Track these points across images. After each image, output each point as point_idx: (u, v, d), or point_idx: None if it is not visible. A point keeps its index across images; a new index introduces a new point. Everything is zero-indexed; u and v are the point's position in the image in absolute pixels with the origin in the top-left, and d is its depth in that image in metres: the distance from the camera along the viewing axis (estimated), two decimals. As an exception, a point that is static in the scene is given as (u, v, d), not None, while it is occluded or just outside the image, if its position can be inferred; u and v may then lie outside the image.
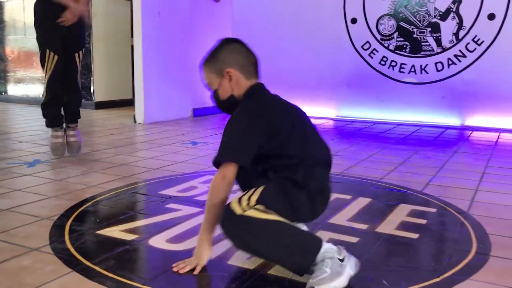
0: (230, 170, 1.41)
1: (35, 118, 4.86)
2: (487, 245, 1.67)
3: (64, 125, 3.06)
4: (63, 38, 2.89)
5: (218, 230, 1.45)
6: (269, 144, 1.43)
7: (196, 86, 5.19)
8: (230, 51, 1.57)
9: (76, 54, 2.98)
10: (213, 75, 1.55)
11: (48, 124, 3.01)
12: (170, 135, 3.98)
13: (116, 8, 6.04)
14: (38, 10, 2.92)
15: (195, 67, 5.16)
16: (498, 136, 4.22)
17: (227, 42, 1.60)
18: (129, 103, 6.14)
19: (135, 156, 3.13)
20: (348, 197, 2.23)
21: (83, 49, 3.05)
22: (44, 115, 3.00)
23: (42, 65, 2.92)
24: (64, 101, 3.02)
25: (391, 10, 4.82)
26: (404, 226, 1.85)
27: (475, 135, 4.30)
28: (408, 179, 2.61)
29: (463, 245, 1.67)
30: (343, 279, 1.30)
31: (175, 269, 1.43)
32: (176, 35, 4.91)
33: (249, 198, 1.40)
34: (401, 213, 2.01)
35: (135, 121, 4.64)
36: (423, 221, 1.90)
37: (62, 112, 3.04)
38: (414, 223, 1.88)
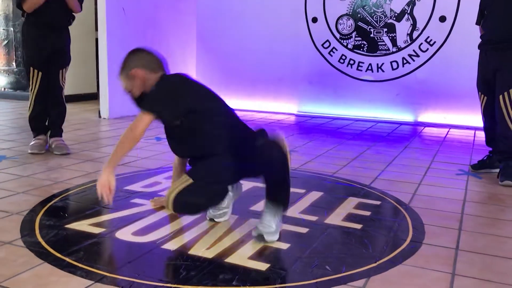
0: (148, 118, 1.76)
1: (-2, 112, 4.85)
2: (421, 234, 1.88)
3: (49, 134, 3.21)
4: (47, 57, 3.03)
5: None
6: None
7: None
8: (133, 57, 1.92)
9: (60, 71, 3.12)
10: (125, 80, 1.91)
11: (34, 135, 3.16)
12: (135, 130, 4.06)
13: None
14: (25, 31, 3.07)
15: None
16: (448, 131, 4.50)
17: (131, 52, 1.95)
18: (93, 97, 6.17)
19: (100, 152, 3.23)
20: (302, 191, 2.40)
21: (67, 66, 3.18)
22: (32, 128, 3.16)
23: (28, 82, 3.09)
24: (49, 114, 3.17)
25: (350, 10, 5.03)
26: (350, 217, 2.04)
27: (427, 130, 4.57)
28: (359, 173, 2.81)
29: (400, 234, 1.87)
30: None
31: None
32: (140, 30, 4.97)
33: None
34: (349, 205, 2.20)
35: (99, 116, 4.70)
36: (367, 213, 2.10)
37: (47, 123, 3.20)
38: (359, 215, 2.08)
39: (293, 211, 2.10)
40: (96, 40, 5.68)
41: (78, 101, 5.89)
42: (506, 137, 2.70)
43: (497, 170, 2.79)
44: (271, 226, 1.76)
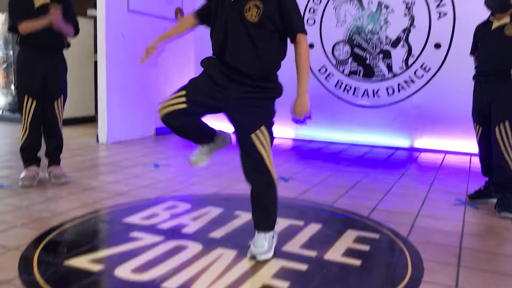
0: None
1: (-5, 136, 4.85)
2: (420, 271, 1.88)
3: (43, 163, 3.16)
4: (41, 82, 2.97)
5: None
6: None
7: (158, 105, 5.31)
8: None
9: (55, 102, 3.06)
10: None
11: (25, 166, 3.07)
12: (132, 156, 4.07)
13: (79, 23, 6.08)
14: (19, 59, 3.03)
15: (158, 86, 5.30)
16: (444, 157, 4.53)
17: None
18: (91, 119, 6.18)
19: (98, 180, 3.23)
20: (301, 223, 2.41)
21: (63, 96, 3.11)
22: (23, 159, 3.07)
23: (21, 110, 3.00)
24: (41, 145, 3.11)
25: (346, 37, 5.09)
26: (349, 252, 2.04)
27: (423, 156, 4.60)
28: (357, 203, 2.82)
29: (400, 271, 1.87)
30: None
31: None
32: (139, 54, 4.96)
33: None
34: (348, 239, 2.20)
35: (97, 141, 4.71)
36: (366, 248, 2.10)
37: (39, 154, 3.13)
38: (358, 250, 2.08)
39: (293, 245, 2.10)
40: (95, 62, 5.73)
41: (76, 124, 5.90)
42: (503, 168, 2.72)
43: (494, 200, 2.80)
44: (263, 246, 1.88)
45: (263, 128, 1.89)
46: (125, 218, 2.41)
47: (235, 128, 1.94)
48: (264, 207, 1.94)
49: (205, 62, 1.92)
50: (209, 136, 2.05)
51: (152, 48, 2.06)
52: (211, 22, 1.91)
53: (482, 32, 2.86)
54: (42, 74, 2.98)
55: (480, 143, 2.93)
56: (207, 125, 2.01)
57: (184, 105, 1.85)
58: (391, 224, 2.44)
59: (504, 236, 2.34)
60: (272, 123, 1.95)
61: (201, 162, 2.13)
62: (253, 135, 1.87)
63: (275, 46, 1.85)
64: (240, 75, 1.83)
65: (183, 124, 1.90)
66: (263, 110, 1.90)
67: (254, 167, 1.90)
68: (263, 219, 1.96)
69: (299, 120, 1.89)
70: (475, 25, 2.93)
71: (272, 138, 1.94)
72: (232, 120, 1.93)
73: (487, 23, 2.84)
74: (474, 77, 2.92)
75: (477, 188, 3.01)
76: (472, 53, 2.97)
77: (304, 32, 1.83)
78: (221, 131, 2.11)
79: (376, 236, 2.27)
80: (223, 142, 2.11)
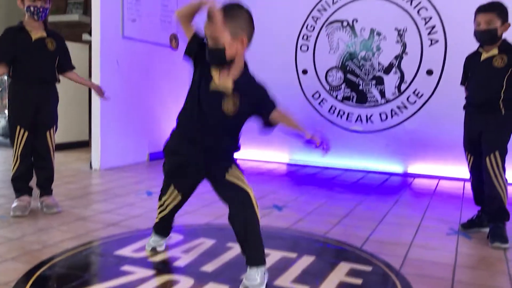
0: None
1: (-12, 162, 4.83)
2: (413, 306, 1.87)
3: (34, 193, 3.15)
4: (33, 113, 2.99)
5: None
6: None
7: (152, 130, 5.33)
8: (248, 20, 1.92)
9: (48, 132, 3.07)
10: (230, 33, 1.86)
11: (17, 196, 3.06)
12: (125, 183, 4.06)
13: (74, 49, 6.11)
14: (12, 90, 3.05)
15: (152, 112, 5.32)
16: (437, 183, 4.55)
17: (246, 11, 1.92)
18: (85, 144, 6.18)
19: (90, 209, 3.21)
20: (294, 255, 2.39)
21: (55, 127, 3.13)
22: (15, 189, 3.06)
23: (12, 142, 3.01)
24: (32, 175, 3.11)
25: (339, 63, 5.15)
26: (341, 286, 2.03)
27: (417, 182, 4.61)
28: (350, 233, 2.82)
29: (392, 306, 1.87)
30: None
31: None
32: (133, 81, 5.04)
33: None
34: (340, 272, 2.19)
35: (91, 167, 4.70)
36: (359, 281, 2.09)
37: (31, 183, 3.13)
38: (350, 284, 2.06)
39: (285, 280, 2.08)
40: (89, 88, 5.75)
41: (70, 149, 5.90)
42: (494, 198, 2.73)
43: (487, 229, 2.81)
44: (255, 279, 1.91)
45: (233, 166, 2.07)
46: (117, 250, 2.39)
47: (213, 185, 2.12)
48: (250, 239, 1.97)
49: (169, 148, 2.17)
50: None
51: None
52: (194, 68, 2.06)
53: (472, 63, 2.91)
54: (34, 106, 2.99)
55: (472, 172, 2.95)
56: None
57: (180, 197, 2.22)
58: (384, 255, 2.43)
59: (497, 268, 2.34)
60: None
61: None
62: (227, 175, 2.02)
63: (240, 127, 2.09)
64: (211, 152, 2.04)
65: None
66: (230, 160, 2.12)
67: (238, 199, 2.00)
68: (253, 253, 1.97)
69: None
70: (467, 52, 2.97)
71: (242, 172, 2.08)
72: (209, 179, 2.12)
73: (476, 54, 2.89)
74: (464, 107, 2.95)
75: (470, 216, 3.02)
76: (462, 83, 3.01)
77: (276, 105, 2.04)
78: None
79: (368, 268, 2.26)
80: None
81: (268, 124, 2.06)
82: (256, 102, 2.00)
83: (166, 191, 2.23)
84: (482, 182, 2.83)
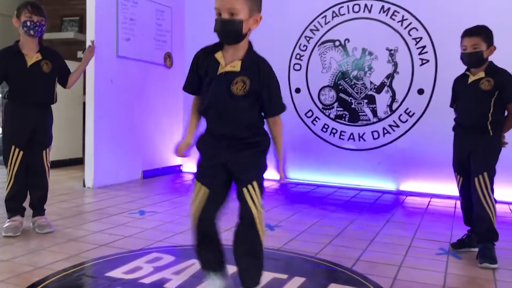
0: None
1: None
2: (401, 329, 1.89)
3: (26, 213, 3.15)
4: (29, 135, 3.02)
5: None
6: None
7: (145, 148, 5.35)
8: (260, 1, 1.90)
9: (44, 152, 3.09)
10: (247, 8, 1.82)
11: (9, 216, 3.06)
12: (119, 202, 4.07)
13: (69, 66, 6.16)
14: (8, 110, 3.06)
15: (146, 130, 5.35)
16: (429, 201, 4.58)
17: None
18: (79, 161, 6.18)
19: (83, 229, 3.22)
20: (285, 276, 2.41)
21: (50, 147, 3.14)
22: (8, 209, 3.07)
23: (6, 160, 3.02)
24: (26, 195, 3.12)
25: (332, 82, 5.21)
26: (331, 309, 2.04)
27: (409, 200, 4.64)
28: (341, 254, 2.83)
29: (381, 329, 1.88)
30: None
31: None
32: (127, 99, 5.08)
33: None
34: (330, 294, 2.21)
35: (84, 185, 4.70)
36: (349, 304, 2.11)
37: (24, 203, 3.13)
38: (340, 306, 2.08)
39: (275, 302, 2.10)
40: (84, 104, 5.78)
41: (64, 167, 5.90)
42: (483, 219, 2.76)
43: (476, 249, 2.83)
44: None
45: (254, 183, 1.94)
46: (108, 272, 2.40)
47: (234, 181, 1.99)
48: (245, 261, 1.97)
49: (198, 144, 2.02)
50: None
51: (186, 144, 2.00)
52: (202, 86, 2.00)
53: (460, 85, 2.96)
54: (31, 127, 3.03)
55: (461, 193, 2.99)
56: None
57: (207, 190, 1.94)
58: (374, 277, 2.45)
59: (485, 289, 2.37)
60: (263, 178, 2.02)
61: None
62: (244, 189, 1.92)
63: (256, 112, 1.96)
64: (230, 138, 1.92)
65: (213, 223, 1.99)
66: (256, 164, 1.98)
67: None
68: (246, 275, 1.97)
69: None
70: (457, 72, 3.02)
71: (263, 192, 2.00)
72: (231, 174, 1.97)
73: (464, 76, 2.94)
74: (453, 129, 3.00)
75: (461, 235, 3.05)
76: (451, 105, 3.06)
77: (282, 112, 1.98)
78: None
79: (358, 290, 2.27)
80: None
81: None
82: (268, 92, 1.91)
83: (194, 191, 1.98)
84: (472, 202, 2.86)
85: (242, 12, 1.80)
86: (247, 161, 1.93)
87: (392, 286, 2.34)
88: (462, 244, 2.97)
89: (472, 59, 2.81)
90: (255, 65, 1.90)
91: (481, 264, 2.66)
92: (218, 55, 1.90)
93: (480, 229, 2.79)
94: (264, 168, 2.01)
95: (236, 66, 1.88)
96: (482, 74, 2.81)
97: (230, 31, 1.82)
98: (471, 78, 2.86)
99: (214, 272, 2.01)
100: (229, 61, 1.89)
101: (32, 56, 3.01)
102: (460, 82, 2.97)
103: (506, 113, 2.82)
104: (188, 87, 2.02)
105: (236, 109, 1.89)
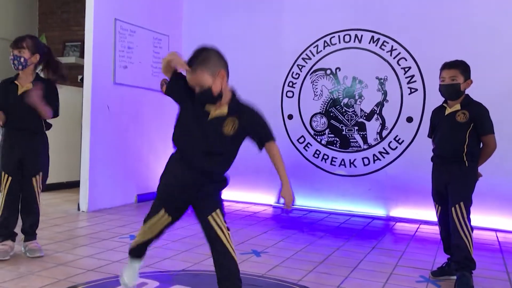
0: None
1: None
2: None
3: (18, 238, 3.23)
4: (18, 163, 3.12)
5: None
6: None
7: (140, 172, 5.45)
8: (217, 56, 2.08)
9: (34, 178, 3.17)
10: (206, 75, 2.04)
11: (0, 241, 3.14)
12: (111, 226, 4.16)
13: (69, 92, 6.31)
14: (2, 138, 3.17)
15: (141, 155, 5.46)
16: (418, 227, 4.64)
17: (211, 49, 2.09)
18: (76, 184, 6.27)
19: (73, 253, 3.30)
20: (264, 303, 2.48)
21: (41, 173, 3.21)
22: None
23: None
24: (17, 220, 3.19)
25: (323, 109, 5.33)
26: (304, 336, 2.11)
27: (398, 226, 4.70)
28: (322, 281, 2.90)
29: None
30: None
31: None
32: (123, 125, 5.20)
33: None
34: (306, 321, 2.28)
35: (78, 209, 4.79)
36: (322, 331, 2.17)
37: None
38: (313, 333, 2.15)
39: (250, 328, 2.17)
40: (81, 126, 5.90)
41: (61, 189, 6.00)
42: (460, 248, 2.83)
43: (455, 278, 2.90)
44: None
45: (218, 211, 2.14)
46: (93, 297, 2.48)
47: (197, 215, 2.18)
48: None
49: (167, 170, 2.23)
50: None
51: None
52: (180, 103, 2.20)
53: (437, 117, 3.07)
54: (19, 155, 3.12)
55: (440, 222, 3.07)
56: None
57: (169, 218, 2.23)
58: (351, 304, 2.52)
59: (459, 317, 2.43)
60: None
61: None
62: (209, 217, 2.11)
63: (237, 149, 2.20)
64: (207, 175, 2.13)
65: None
66: (218, 198, 2.21)
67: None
68: None
69: (287, 209, 2.17)
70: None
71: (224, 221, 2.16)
72: (195, 208, 2.19)
73: (441, 108, 3.06)
74: (432, 159, 3.10)
75: (444, 262, 3.12)
76: (429, 136, 3.16)
77: (274, 139, 2.18)
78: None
79: (334, 318, 2.34)
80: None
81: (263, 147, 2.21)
82: (254, 126, 2.16)
83: (155, 214, 2.24)
84: (450, 232, 2.94)
85: (205, 82, 2.05)
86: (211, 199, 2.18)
87: (368, 314, 2.40)
88: (442, 272, 3.04)
89: (450, 90, 2.92)
90: (240, 108, 2.16)
91: (457, 293, 2.73)
92: (208, 106, 2.13)
93: (457, 257, 2.86)
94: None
95: (224, 111, 2.11)
96: (458, 107, 2.92)
97: (206, 99, 2.09)
98: (448, 110, 2.96)
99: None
100: (218, 108, 2.12)
101: (24, 85, 3.14)
102: (437, 114, 3.08)
103: (481, 145, 2.92)
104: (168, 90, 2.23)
105: (224, 148, 2.15)
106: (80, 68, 7.72)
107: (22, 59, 3.10)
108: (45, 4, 8.03)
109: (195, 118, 2.12)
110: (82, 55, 7.77)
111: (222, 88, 2.08)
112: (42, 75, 3.32)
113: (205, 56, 2.05)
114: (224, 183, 2.22)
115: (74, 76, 7.70)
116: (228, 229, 2.12)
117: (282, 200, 2.14)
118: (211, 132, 2.09)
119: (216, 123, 2.10)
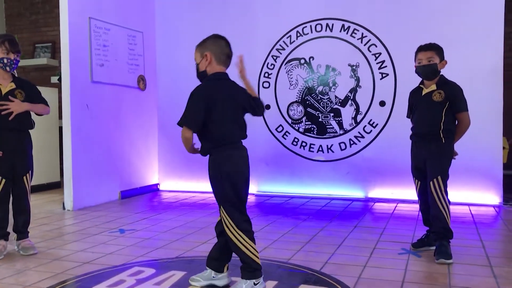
0: (186, 131, 2.36)
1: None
2: (362, 320, 2.10)
3: (10, 237, 3.27)
4: (10, 161, 3.14)
5: None
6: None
7: (123, 169, 5.50)
8: (212, 42, 2.45)
9: (24, 177, 3.23)
10: (198, 54, 2.46)
11: None
12: (98, 222, 4.21)
13: (43, 92, 6.28)
14: None
15: (122, 151, 5.50)
16: (395, 206, 4.85)
17: (214, 36, 2.49)
18: (57, 185, 6.28)
19: (65, 249, 3.36)
20: (258, 281, 2.61)
21: (30, 172, 3.27)
22: None
23: None
24: (9, 220, 3.23)
25: (299, 98, 5.48)
26: (300, 307, 2.25)
27: (376, 206, 4.90)
28: (311, 258, 3.05)
29: (344, 321, 2.10)
30: None
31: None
32: (103, 122, 5.24)
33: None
34: (300, 294, 2.42)
35: (64, 208, 4.82)
36: (316, 301, 2.32)
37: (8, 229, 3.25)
38: (308, 303, 2.29)
39: (249, 303, 2.29)
40: (60, 128, 5.90)
41: (42, 191, 5.99)
42: (439, 219, 3.02)
43: (434, 248, 3.09)
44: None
45: None
46: (93, 286, 2.56)
47: None
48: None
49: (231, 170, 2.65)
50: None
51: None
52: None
53: (415, 97, 3.25)
54: (11, 155, 3.16)
55: (420, 196, 3.25)
56: None
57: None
58: (340, 276, 2.67)
59: (440, 281, 2.61)
60: None
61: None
62: None
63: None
64: None
65: None
66: None
67: None
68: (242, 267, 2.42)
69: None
70: (414, 84, 3.30)
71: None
72: None
73: (418, 89, 3.23)
74: (410, 137, 3.27)
75: (421, 236, 3.31)
76: (408, 116, 3.34)
77: (180, 125, 2.39)
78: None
79: (325, 289, 2.49)
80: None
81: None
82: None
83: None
84: (429, 204, 3.13)
85: (196, 60, 2.49)
86: None
87: (356, 284, 2.56)
88: (422, 244, 3.23)
89: (428, 71, 3.09)
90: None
91: (437, 260, 2.92)
92: None
93: (436, 228, 3.05)
94: None
95: None
96: (434, 87, 3.10)
97: (196, 73, 2.52)
98: (425, 91, 3.14)
99: None
100: None
101: (6, 85, 3.17)
102: (414, 95, 3.25)
103: (457, 122, 3.11)
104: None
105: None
106: (52, 69, 7.70)
107: (15, 63, 3.15)
108: (12, 6, 7.93)
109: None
110: (53, 56, 7.73)
111: (208, 68, 2.44)
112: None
113: (203, 41, 2.47)
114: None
115: (46, 77, 7.65)
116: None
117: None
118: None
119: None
